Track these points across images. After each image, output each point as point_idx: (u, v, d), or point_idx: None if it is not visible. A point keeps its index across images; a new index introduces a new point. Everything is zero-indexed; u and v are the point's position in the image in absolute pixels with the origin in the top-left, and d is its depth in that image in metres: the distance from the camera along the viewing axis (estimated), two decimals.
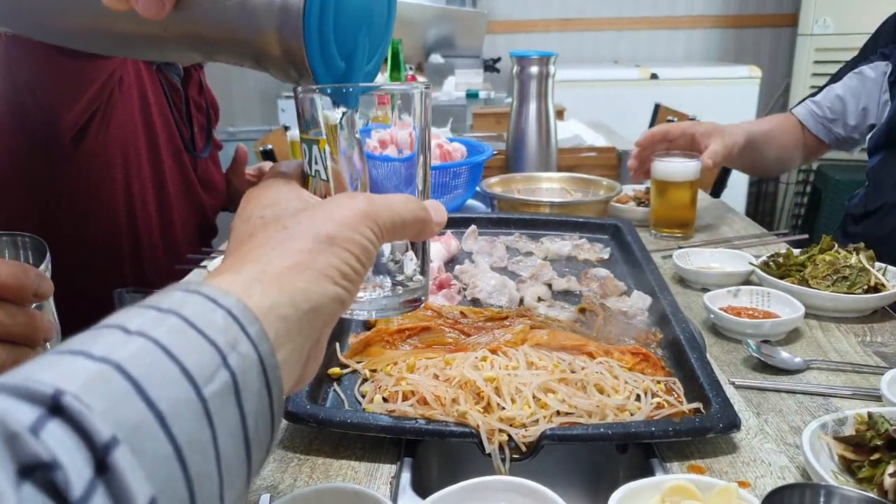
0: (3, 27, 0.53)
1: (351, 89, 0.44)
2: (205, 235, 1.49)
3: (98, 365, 0.26)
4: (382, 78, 2.28)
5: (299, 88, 0.44)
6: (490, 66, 3.42)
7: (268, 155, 1.86)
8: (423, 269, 0.49)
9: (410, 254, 0.48)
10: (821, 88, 1.48)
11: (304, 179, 0.46)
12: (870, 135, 1.37)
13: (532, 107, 1.56)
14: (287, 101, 3.13)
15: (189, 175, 1.38)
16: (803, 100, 1.50)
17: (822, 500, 0.50)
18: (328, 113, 0.44)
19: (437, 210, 0.45)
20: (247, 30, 0.41)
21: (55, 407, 0.24)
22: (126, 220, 1.26)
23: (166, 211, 1.32)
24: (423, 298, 0.49)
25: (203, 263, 1.16)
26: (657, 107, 2.70)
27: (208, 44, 0.43)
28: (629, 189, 1.50)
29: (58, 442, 0.23)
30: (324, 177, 0.45)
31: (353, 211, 0.38)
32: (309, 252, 0.36)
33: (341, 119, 0.44)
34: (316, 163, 0.45)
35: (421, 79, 2.99)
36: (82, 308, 1.27)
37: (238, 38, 0.41)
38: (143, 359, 0.27)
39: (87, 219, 1.23)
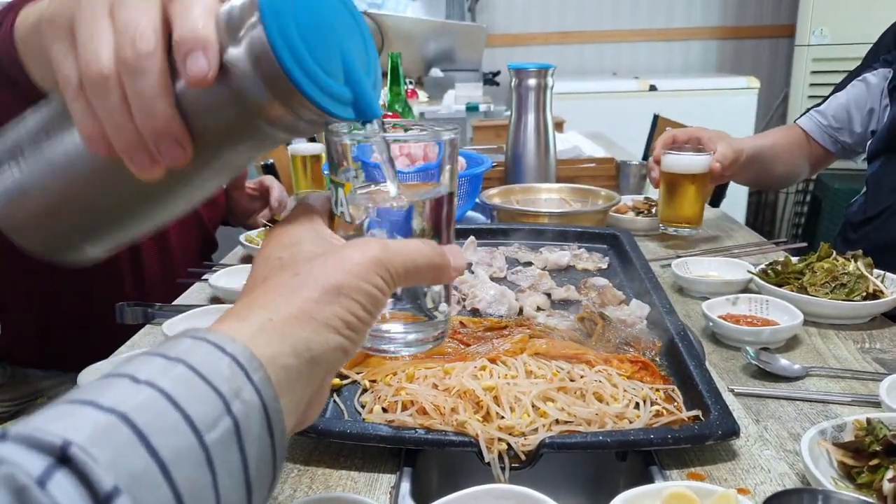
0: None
1: (372, 116, 0.42)
2: (205, 249, 1.50)
3: (105, 415, 0.27)
4: (383, 91, 2.29)
5: (327, 131, 0.45)
6: (489, 80, 3.44)
7: (268, 169, 1.87)
8: (448, 301, 0.50)
9: (436, 288, 0.49)
10: (825, 99, 1.48)
11: (331, 214, 0.47)
12: (869, 141, 1.37)
13: (530, 118, 1.56)
14: None
15: None
16: (807, 111, 1.51)
17: None
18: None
19: (455, 255, 0.44)
20: (252, 116, 0.39)
21: (63, 457, 0.25)
22: None
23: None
24: (446, 332, 0.51)
25: (204, 277, 1.16)
26: (656, 118, 2.71)
27: (238, 159, 0.43)
28: (628, 199, 1.50)
29: (63, 492, 0.24)
30: (348, 219, 0.46)
31: (364, 258, 0.38)
32: (315, 301, 0.36)
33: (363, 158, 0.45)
34: (342, 205, 0.46)
35: (421, 93, 3.00)
36: (86, 322, 1.27)
37: (252, 131, 0.40)
38: (148, 409, 0.28)
39: None
